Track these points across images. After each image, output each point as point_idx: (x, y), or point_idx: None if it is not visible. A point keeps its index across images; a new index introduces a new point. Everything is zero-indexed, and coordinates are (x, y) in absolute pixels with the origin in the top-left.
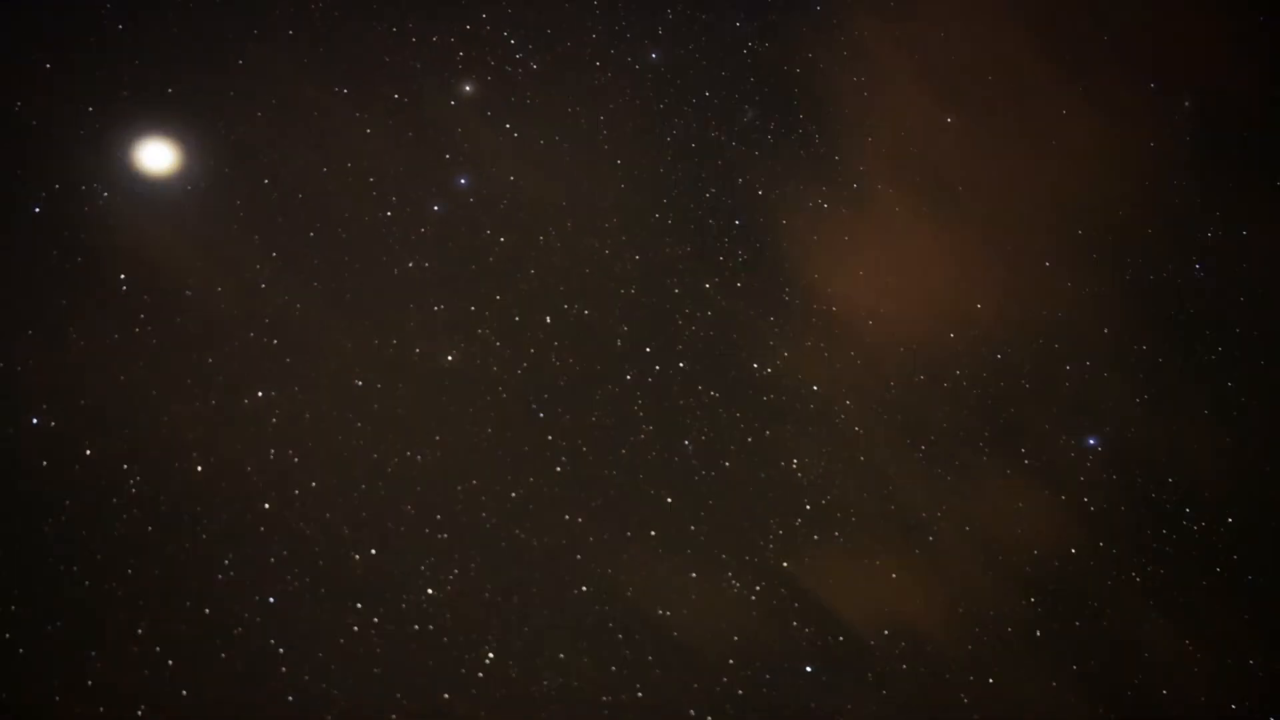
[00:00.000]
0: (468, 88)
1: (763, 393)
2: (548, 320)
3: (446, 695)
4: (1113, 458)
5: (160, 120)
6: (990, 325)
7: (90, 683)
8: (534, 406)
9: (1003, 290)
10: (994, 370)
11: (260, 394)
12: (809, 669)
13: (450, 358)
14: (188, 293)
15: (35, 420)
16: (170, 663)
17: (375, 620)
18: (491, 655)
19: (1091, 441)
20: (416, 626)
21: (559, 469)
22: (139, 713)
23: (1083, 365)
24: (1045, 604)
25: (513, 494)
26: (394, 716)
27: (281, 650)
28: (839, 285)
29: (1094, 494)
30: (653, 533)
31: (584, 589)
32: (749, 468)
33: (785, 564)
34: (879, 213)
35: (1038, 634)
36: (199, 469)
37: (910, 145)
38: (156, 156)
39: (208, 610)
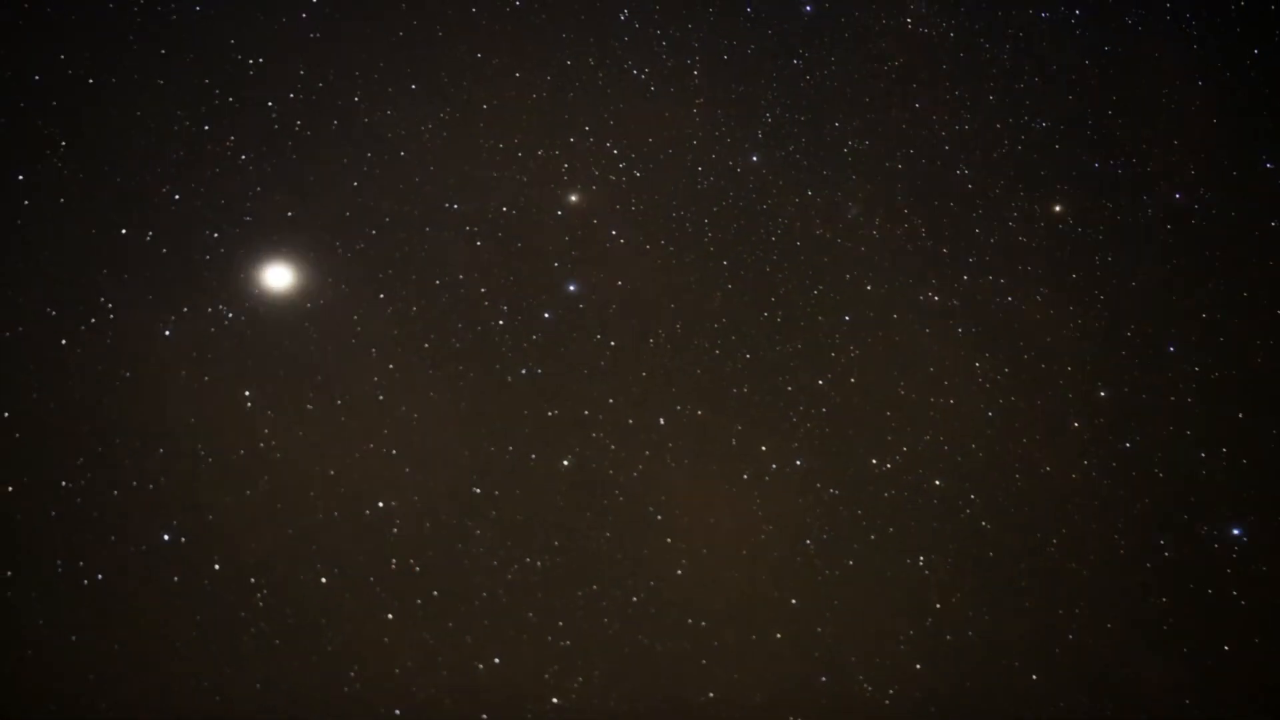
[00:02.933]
0: (574, 197)
1: (883, 489)
2: (661, 422)
3: None
4: (1261, 547)
5: (281, 243)
6: (1115, 413)
7: None
8: (651, 509)
9: (1125, 376)
10: (1123, 460)
11: (381, 504)
12: None
13: (566, 462)
14: (309, 407)
15: (166, 536)
16: None
17: None
18: None
19: (1236, 531)
20: None
21: (680, 572)
22: None
23: (1218, 451)
24: (1199, 704)
25: (634, 599)
26: None
27: None
28: (955, 379)
29: (1244, 587)
30: (778, 635)
31: (710, 695)
32: (874, 567)
33: (918, 666)
34: (989, 305)
35: None
36: (323, 580)
37: (1018, 235)
38: (278, 278)
39: None
